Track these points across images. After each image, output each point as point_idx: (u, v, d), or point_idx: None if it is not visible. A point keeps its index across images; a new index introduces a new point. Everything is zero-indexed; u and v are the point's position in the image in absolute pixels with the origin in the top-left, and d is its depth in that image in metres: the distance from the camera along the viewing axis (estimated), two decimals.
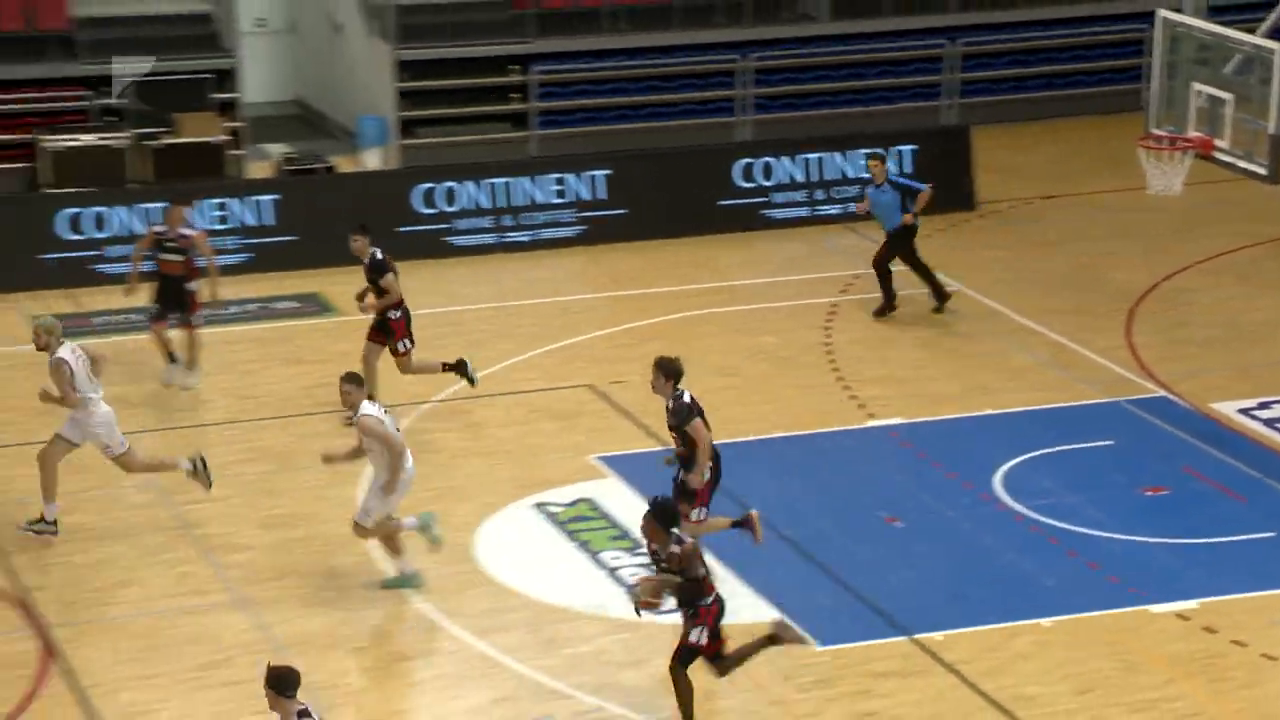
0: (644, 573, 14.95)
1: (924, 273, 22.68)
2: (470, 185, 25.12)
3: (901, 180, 22.86)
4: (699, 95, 29.31)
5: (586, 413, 20.15)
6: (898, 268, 22.43)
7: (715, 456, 15.87)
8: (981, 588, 16.47)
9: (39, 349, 16.53)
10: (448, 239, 24.85)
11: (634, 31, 29.18)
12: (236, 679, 14.71)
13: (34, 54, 26.20)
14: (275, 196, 24.70)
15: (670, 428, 15.94)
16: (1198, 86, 20.61)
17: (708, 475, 15.74)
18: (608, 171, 25.54)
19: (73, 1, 26.54)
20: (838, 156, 26.36)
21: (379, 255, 19.41)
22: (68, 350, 16.43)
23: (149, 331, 20.33)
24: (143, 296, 20.27)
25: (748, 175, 26.02)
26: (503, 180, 25.24)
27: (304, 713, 11.56)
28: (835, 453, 19.26)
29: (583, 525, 17.55)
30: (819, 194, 26.31)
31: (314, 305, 23.24)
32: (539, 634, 15.63)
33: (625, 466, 18.66)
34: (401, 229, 24.22)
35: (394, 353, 19.51)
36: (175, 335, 20.25)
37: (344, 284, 22.60)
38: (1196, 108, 20.63)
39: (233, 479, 18.43)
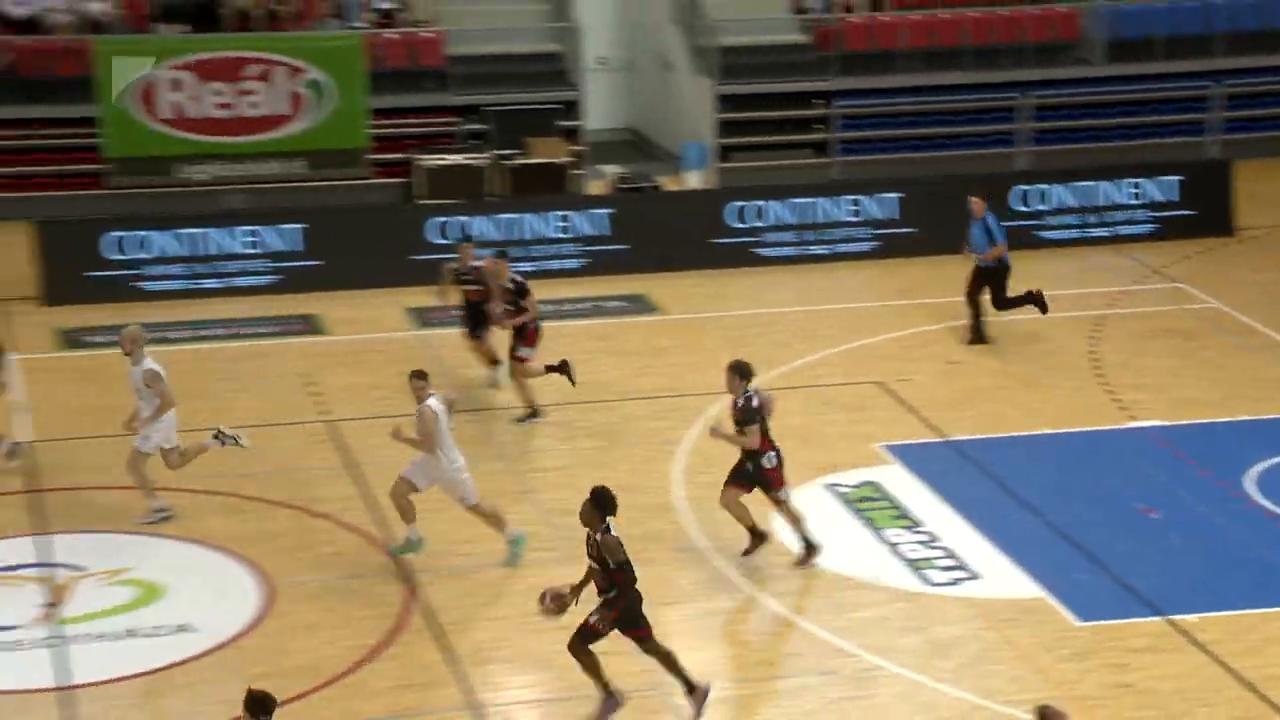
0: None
1: (976, 309, 21.80)
2: (777, 204, 25.17)
3: (990, 222, 22.04)
4: (983, 129, 29.04)
5: (875, 406, 20.04)
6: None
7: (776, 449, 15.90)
8: (1233, 577, 15.94)
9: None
10: (756, 250, 24.92)
11: (926, 71, 28.97)
12: (569, 625, 14.95)
13: (413, 86, 26.92)
14: (609, 210, 25.03)
15: (735, 422, 15.83)
16: None
17: (775, 463, 15.79)
18: (900, 194, 25.40)
19: (447, 42, 27.22)
20: (1108, 185, 25.88)
21: (519, 278, 19.55)
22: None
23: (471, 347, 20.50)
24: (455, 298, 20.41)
25: (1025, 200, 25.64)
26: (806, 200, 25.26)
27: None
28: (1098, 449, 18.84)
29: (868, 505, 17.46)
30: (1090, 218, 25.84)
31: (640, 305, 23.50)
32: (829, 599, 15.60)
33: (908, 455, 18.51)
34: (716, 241, 24.53)
35: (513, 356, 19.44)
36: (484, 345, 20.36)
37: (667, 287, 22.90)
38: None
39: (568, 452, 18.77)
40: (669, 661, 13.51)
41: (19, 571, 15.83)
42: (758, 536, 16.04)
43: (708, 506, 16.79)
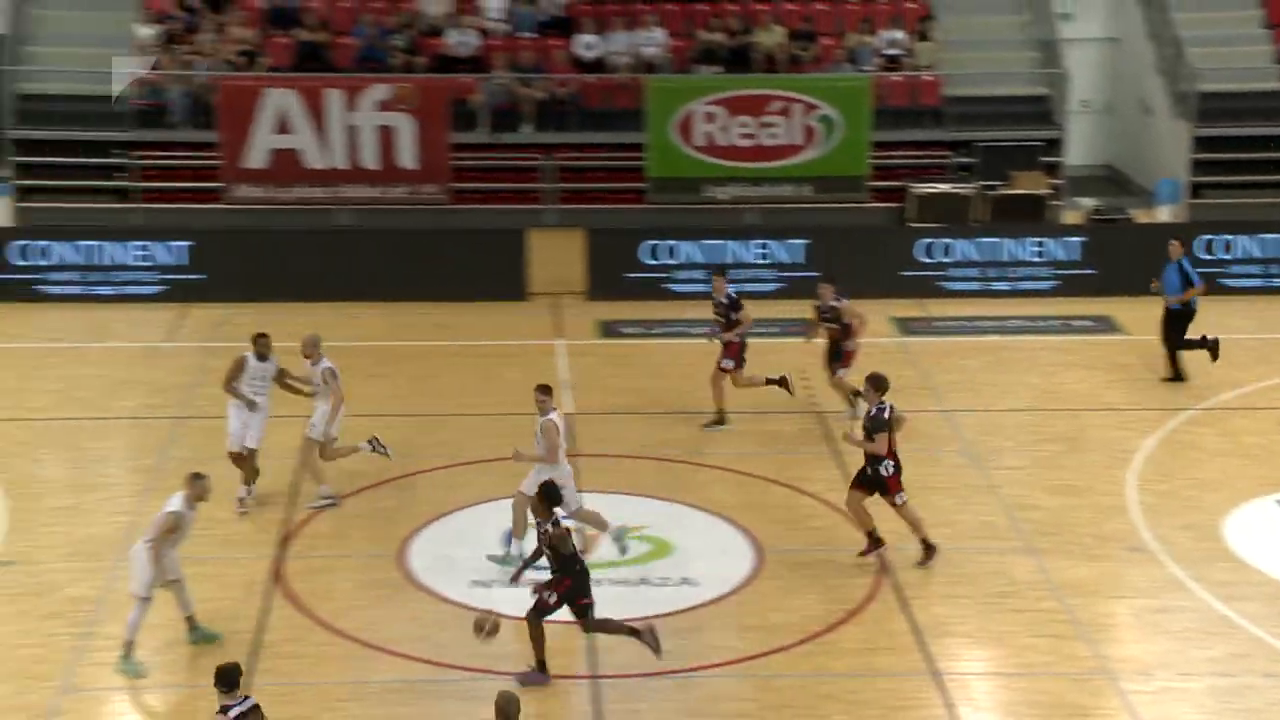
0: None
1: (1174, 350, 20.30)
2: (1245, 238, 24.04)
3: (1186, 266, 20.36)
4: None
5: None
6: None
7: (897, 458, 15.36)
8: None
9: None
10: (1222, 280, 23.73)
11: None
12: (1021, 608, 14.74)
13: (912, 123, 26.87)
14: (1083, 239, 24.40)
15: (865, 430, 15.37)
16: None
17: (893, 470, 15.30)
18: None
19: (946, 84, 27.07)
20: None
21: (732, 294, 18.89)
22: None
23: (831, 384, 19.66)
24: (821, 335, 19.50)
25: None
26: (1273, 236, 24.02)
27: (231, 709, 10.84)
28: None
29: None
30: None
31: (1106, 326, 22.82)
32: (1274, 605, 14.84)
33: None
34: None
35: (720, 368, 18.77)
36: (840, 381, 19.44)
37: (1133, 310, 22.18)
38: None
39: (1028, 453, 18.45)
40: (610, 625, 13.55)
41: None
42: (874, 541, 15.53)
43: (1160, 512, 16.22)
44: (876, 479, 15.47)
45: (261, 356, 16.54)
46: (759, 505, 17.04)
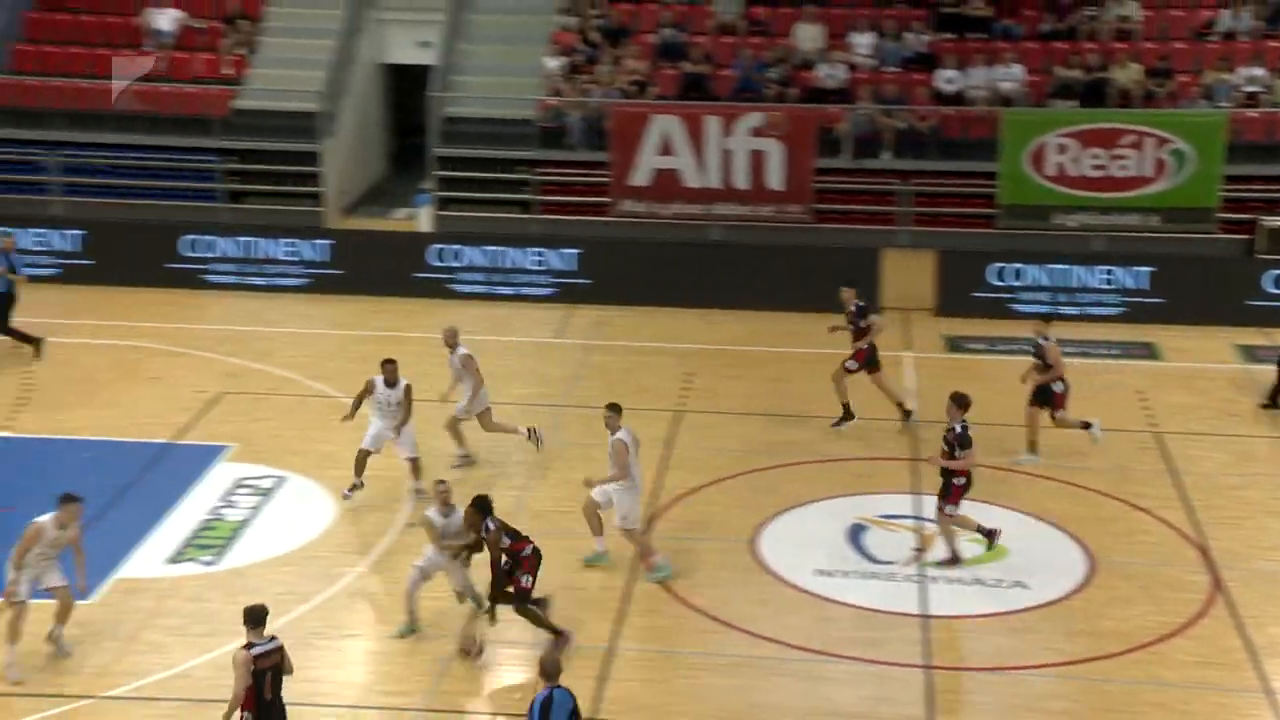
0: None
1: None
2: None
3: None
4: None
5: None
6: None
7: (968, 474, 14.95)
8: None
9: None
10: None
11: None
12: None
13: (1268, 157, 25.30)
14: None
15: (946, 442, 14.92)
16: None
17: (964, 483, 14.97)
18: None
19: None
20: None
21: (861, 303, 18.32)
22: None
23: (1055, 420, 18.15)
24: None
25: None
26: None
27: (255, 646, 10.96)
28: None
29: None
30: None
31: None
32: None
33: None
34: None
35: (844, 367, 18.33)
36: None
37: None
38: None
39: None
40: (537, 617, 13.41)
41: (898, 521, 16.37)
42: (955, 559, 15.13)
43: None
44: (946, 487, 15.08)
45: (389, 383, 16.49)
46: (1093, 517, 16.38)
